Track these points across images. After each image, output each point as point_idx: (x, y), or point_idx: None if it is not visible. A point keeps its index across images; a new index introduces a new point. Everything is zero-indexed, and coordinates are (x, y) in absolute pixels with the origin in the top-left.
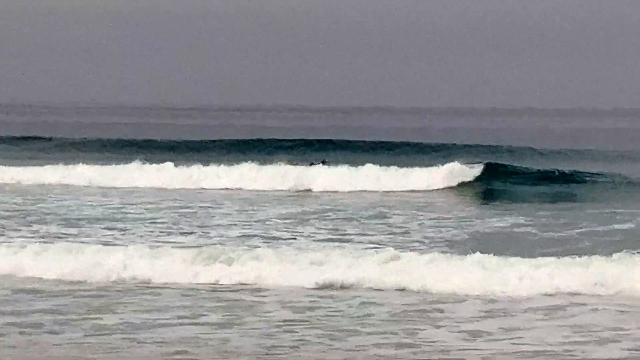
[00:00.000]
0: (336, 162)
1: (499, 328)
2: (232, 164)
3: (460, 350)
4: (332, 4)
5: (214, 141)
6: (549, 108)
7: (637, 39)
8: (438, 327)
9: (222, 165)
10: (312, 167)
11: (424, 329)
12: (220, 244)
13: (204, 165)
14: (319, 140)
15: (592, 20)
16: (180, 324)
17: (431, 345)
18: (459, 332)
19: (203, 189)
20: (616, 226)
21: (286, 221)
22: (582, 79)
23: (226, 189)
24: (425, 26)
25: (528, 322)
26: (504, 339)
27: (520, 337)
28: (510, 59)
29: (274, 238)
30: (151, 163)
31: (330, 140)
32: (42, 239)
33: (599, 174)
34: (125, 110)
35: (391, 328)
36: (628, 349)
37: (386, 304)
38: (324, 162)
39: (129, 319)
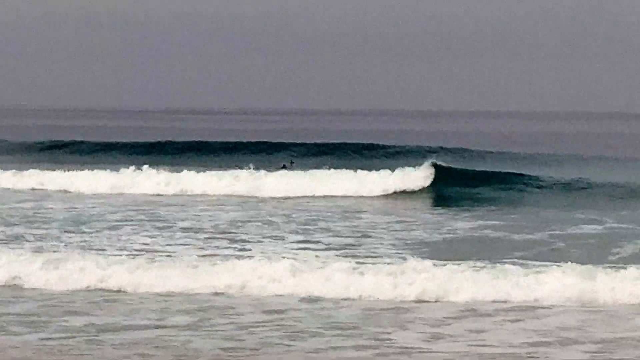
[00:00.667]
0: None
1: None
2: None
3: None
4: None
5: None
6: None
7: (610, 42)
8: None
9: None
10: (283, 169)
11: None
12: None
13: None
14: (282, 144)
15: (571, 23)
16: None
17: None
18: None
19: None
20: (585, 227)
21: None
22: (566, 82)
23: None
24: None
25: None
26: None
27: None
28: (496, 61)
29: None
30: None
31: (293, 143)
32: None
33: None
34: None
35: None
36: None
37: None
38: (292, 163)
39: (95, 321)
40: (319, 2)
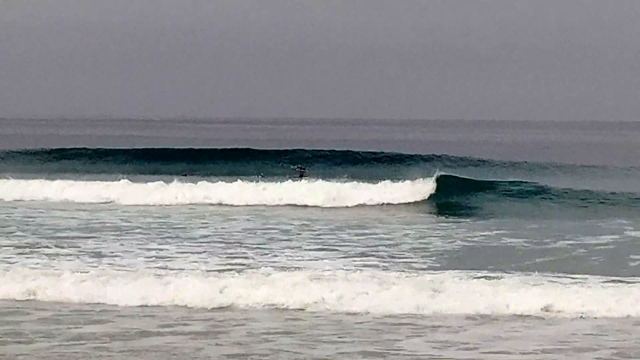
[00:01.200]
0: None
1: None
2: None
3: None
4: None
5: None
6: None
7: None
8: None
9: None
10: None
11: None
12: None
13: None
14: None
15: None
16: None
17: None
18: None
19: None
20: (603, 237)
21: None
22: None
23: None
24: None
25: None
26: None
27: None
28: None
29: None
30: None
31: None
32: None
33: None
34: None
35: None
36: None
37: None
38: (302, 173)
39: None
40: (326, 13)
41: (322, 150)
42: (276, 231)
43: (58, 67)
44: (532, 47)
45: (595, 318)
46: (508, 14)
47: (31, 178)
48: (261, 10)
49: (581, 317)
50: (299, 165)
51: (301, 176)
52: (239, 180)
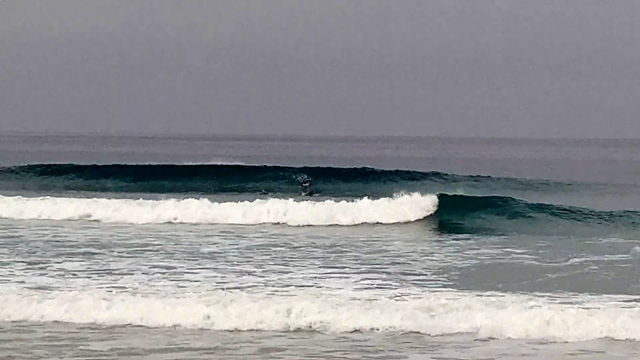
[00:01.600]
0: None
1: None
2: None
3: None
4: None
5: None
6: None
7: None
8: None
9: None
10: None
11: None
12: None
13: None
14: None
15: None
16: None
17: None
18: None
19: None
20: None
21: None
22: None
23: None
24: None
25: None
26: None
27: None
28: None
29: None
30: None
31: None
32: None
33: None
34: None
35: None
36: None
37: None
38: (311, 192)
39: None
40: (325, 29)
41: (320, 167)
42: (284, 248)
43: (41, 83)
44: (540, 60)
45: (605, 337)
46: (507, 30)
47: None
48: (256, 23)
49: (585, 338)
50: (304, 180)
51: (306, 189)
52: (247, 200)
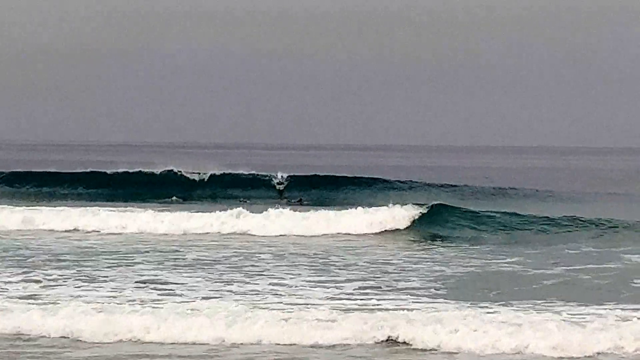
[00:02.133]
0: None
1: None
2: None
3: None
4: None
5: None
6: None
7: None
8: None
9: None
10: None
11: None
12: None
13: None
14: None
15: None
16: None
17: None
18: None
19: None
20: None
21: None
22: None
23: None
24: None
25: None
26: None
27: None
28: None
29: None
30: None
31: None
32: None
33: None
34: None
35: None
36: None
37: None
38: (300, 201)
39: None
40: (326, 38)
41: (307, 175)
42: (269, 255)
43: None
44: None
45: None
46: (507, 39)
47: None
48: (245, 39)
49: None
50: (279, 182)
51: (283, 193)
52: (238, 208)
